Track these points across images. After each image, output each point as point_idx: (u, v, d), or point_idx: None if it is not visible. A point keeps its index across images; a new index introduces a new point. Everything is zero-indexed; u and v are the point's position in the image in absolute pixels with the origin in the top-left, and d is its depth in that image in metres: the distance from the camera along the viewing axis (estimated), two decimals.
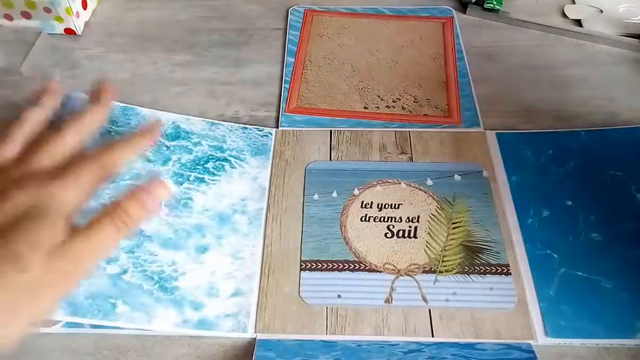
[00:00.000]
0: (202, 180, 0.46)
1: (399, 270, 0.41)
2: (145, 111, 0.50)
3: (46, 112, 0.36)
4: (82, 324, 0.38)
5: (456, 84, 0.54)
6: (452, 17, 0.62)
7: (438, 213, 0.44)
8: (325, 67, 0.56)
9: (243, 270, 0.41)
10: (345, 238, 0.43)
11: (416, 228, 0.43)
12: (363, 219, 0.44)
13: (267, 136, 0.49)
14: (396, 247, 0.42)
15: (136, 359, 0.38)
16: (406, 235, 0.43)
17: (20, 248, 0.28)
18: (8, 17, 0.58)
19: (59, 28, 0.59)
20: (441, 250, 0.42)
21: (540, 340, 0.38)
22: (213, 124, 0.50)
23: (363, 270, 0.41)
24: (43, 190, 0.30)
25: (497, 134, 0.49)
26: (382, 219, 0.44)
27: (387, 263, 0.41)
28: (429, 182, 0.46)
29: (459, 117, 0.51)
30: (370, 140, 0.49)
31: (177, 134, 0.48)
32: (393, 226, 0.43)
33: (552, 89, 0.54)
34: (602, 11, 0.62)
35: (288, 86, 0.54)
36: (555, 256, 0.41)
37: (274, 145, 0.49)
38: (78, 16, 0.58)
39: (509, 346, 0.37)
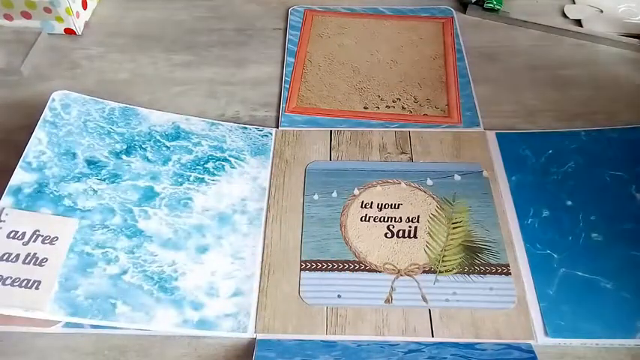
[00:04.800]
0: (202, 180, 0.46)
1: (399, 270, 0.41)
2: (144, 111, 0.50)
3: None
4: (82, 324, 0.38)
5: (456, 84, 0.54)
6: (452, 17, 0.62)
7: (438, 213, 0.44)
8: (325, 67, 0.56)
9: (243, 270, 0.41)
10: (345, 238, 0.43)
11: (416, 228, 0.43)
12: (363, 219, 0.44)
13: (267, 136, 0.49)
14: (396, 247, 0.42)
15: (135, 359, 0.38)
16: (406, 235, 0.43)
17: None
18: (8, 17, 0.58)
19: (59, 28, 0.59)
20: (441, 250, 0.42)
21: (540, 340, 0.38)
22: (213, 124, 0.50)
23: (363, 270, 0.41)
24: None
25: (497, 134, 0.49)
26: (382, 219, 0.44)
27: (387, 263, 0.41)
28: (429, 182, 0.46)
29: (459, 117, 0.51)
30: (370, 140, 0.49)
31: (177, 134, 0.48)
32: (393, 226, 0.43)
33: (552, 89, 0.54)
34: (602, 11, 0.62)
35: (288, 86, 0.54)
36: (555, 256, 0.41)
37: (274, 145, 0.49)
38: (78, 16, 0.58)
39: (509, 346, 0.37)
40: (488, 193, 0.45)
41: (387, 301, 0.40)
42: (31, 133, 0.45)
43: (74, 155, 0.45)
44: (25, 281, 0.37)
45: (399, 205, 0.45)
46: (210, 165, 0.47)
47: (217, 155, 0.47)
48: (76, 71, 0.56)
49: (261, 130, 0.50)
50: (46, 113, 0.47)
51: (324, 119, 0.51)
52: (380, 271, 0.41)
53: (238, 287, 0.40)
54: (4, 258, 0.38)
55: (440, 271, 0.41)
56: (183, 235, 0.42)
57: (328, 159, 0.48)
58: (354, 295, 0.40)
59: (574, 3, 0.64)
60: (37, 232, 0.40)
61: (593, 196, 0.45)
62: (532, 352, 0.37)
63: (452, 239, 0.43)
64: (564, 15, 0.62)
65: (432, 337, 0.38)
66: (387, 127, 0.50)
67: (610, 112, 0.52)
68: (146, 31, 0.61)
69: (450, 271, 0.41)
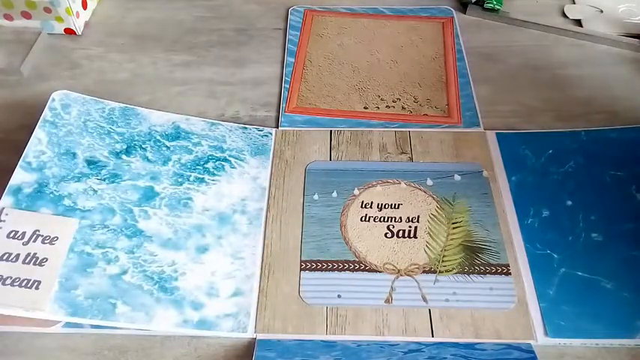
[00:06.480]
0: (202, 180, 0.46)
1: (399, 270, 0.41)
2: (144, 111, 0.50)
3: None
4: (81, 324, 0.38)
5: (456, 84, 0.54)
6: (452, 17, 0.62)
7: (438, 213, 0.44)
8: (325, 67, 0.56)
9: (243, 270, 0.41)
10: (345, 238, 0.43)
11: (416, 228, 0.43)
12: (363, 219, 0.44)
13: (267, 136, 0.49)
14: (396, 247, 0.42)
15: (135, 359, 0.38)
16: (406, 235, 0.43)
17: None
18: (8, 17, 0.58)
19: (59, 28, 0.59)
20: (441, 250, 0.42)
21: (540, 340, 0.38)
22: (213, 124, 0.50)
23: (363, 270, 0.41)
24: None
25: (497, 134, 0.49)
26: (382, 219, 0.44)
27: (387, 263, 0.41)
28: (429, 182, 0.46)
29: (459, 117, 0.51)
30: (370, 140, 0.49)
31: (177, 134, 0.48)
32: (393, 226, 0.43)
33: (552, 89, 0.54)
34: (602, 11, 0.62)
35: (288, 86, 0.54)
36: (555, 256, 0.41)
37: (274, 145, 0.49)
38: (78, 16, 0.58)
39: (509, 346, 0.37)
40: (488, 193, 0.45)
41: (387, 301, 0.40)
42: (31, 133, 0.45)
43: (74, 155, 0.45)
44: (25, 281, 0.37)
45: (399, 205, 0.45)
46: (210, 165, 0.47)
47: (217, 155, 0.47)
48: (76, 71, 0.56)
49: (261, 130, 0.50)
50: (46, 113, 0.47)
51: (324, 119, 0.51)
52: (380, 271, 0.41)
53: (238, 287, 0.40)
54: (4, 258, 0.38)
55: (440, 271, 0.41)
56: (183, 235, 0.42)
57: (328, 159, 0.48)
58: (354, 295, 0.40)
59: (574, 3, 0.64)
60: (37, 232, 0.40)
61: (593, 196, 0.45)
62: (532, 352, 0.37)
63: (452, 239, 0.43)
64: (564, 15, 0.62)
65: (432, 337, 0.38)
66: (387, 127, 0.50)
67: (610, 112, 0.52)
68: (146, 31, 0.61)
69: (450, 271, 0.41)
